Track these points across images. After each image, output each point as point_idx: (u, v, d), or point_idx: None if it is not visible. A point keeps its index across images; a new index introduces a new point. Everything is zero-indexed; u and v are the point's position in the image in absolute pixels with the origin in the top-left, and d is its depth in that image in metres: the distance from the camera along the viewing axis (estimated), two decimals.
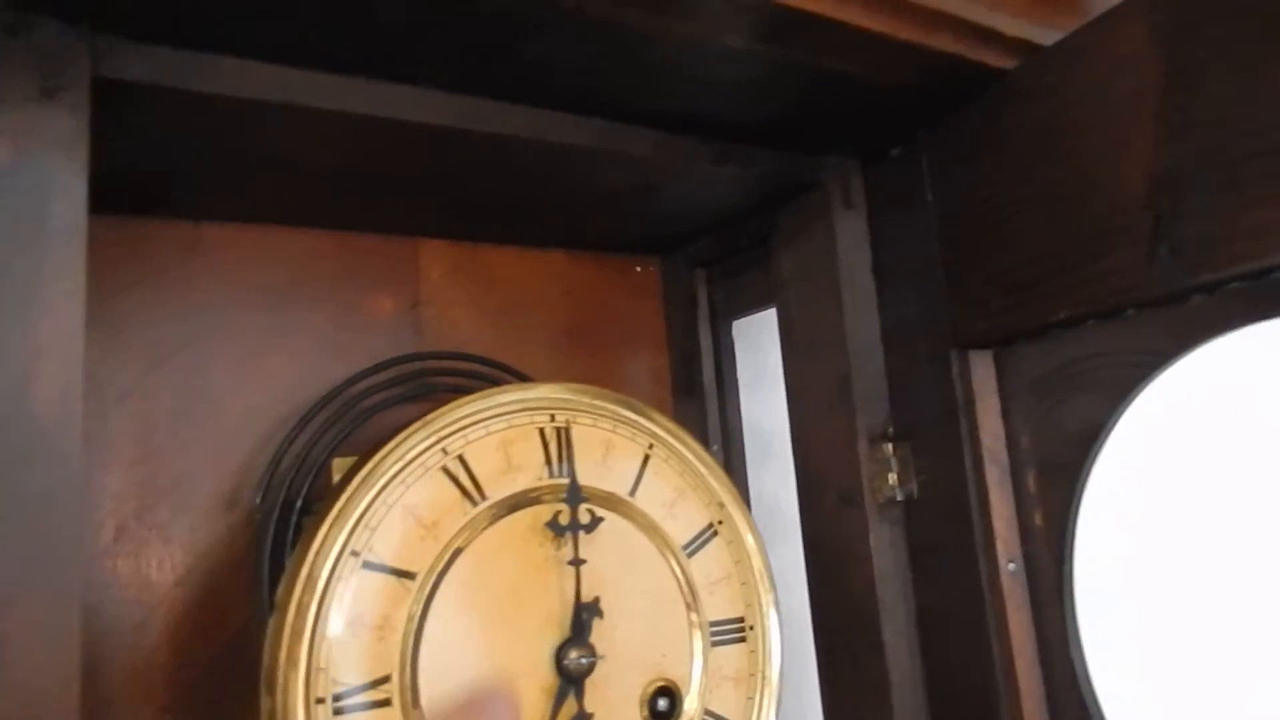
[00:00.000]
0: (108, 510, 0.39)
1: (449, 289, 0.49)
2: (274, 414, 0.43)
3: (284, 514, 0.39)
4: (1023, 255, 0.38)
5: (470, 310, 0.50)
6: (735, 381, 0.54)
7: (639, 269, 0.56)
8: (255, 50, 0.32)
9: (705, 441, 0.53)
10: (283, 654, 0.30)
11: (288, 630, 0.30)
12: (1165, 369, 0.35)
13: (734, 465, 0.54)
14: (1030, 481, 0.40)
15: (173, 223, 0.43)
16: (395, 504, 0.33)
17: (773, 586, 0.41)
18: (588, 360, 0.52)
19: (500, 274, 0.51)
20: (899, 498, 0.44)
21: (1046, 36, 0.38)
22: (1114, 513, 0.38)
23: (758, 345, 0.58)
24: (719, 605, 0.40)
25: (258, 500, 0.40)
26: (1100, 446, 0.37)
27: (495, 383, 0.45)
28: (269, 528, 0.39)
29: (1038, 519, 0.40)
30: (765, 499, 0.58)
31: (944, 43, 0.36)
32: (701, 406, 0.54)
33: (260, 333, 0.44)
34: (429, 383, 0.45)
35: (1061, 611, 0.39)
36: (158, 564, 0.40)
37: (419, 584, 0.32)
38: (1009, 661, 0.39)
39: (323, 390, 0.43)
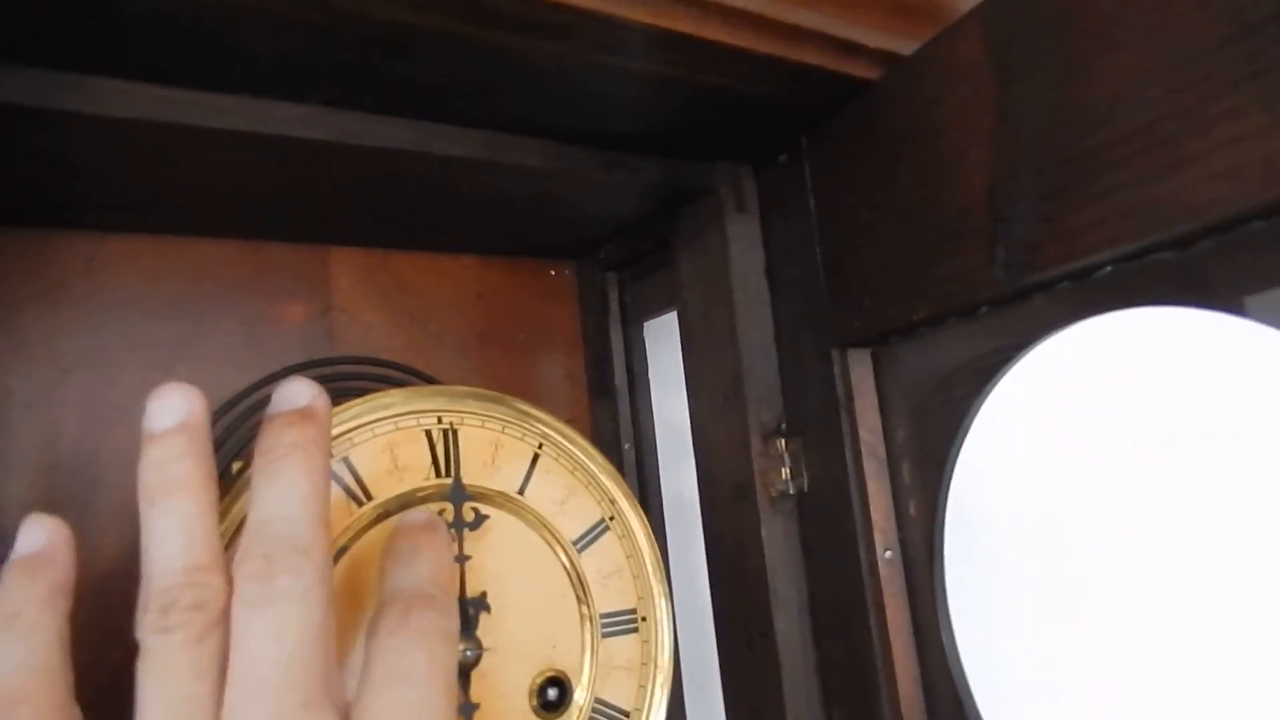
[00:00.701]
0: (15, 518, 0.40)
1: (360, 296, 0.51)
2: None
3: None
4: (887, 258, 0.40)
5: (382, 316, 0.51)
6: (647, 381, 0.56)
7: (553, 273, 0.57)
8: (134, 72, 0.33)
9: (617, 440, 0.55)
10: None
11: None
12: (1016, 362, 0.37)
13: (646, 463, 0.55)
14: (905, 473, 0.42)
15: (76, 235, 0.44)
16: None
17: (665, 578, 0.43)
18: (501, 363, 0.54)
19: (412, 280, 0.52)
20: (791, 491, 0.45)
21: (909, 47, 0.40)
22: (982, 498, 0.40)
23: (678, 351, 0.59)
24: (611, 598, 0.41)
25: None
26: (964, 437, 0.40)
27: (404, 386, 0.46)
28: None
29: (912, 509, 0.42)
30: (682, 498, 0.59)
31: (808, 55, 0.38)
32: (614, 406, 0.55)
33: (167, 343, 0.45)
34: (339, 387, 0.46)
35: (934, 596, 0.41)
36: None
37: None
38: (886, 644, 0.41)
39: (227, 401, 0.44)
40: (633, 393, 0.55)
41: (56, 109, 0.33)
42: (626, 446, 0.55)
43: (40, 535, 0.27)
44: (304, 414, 0.28)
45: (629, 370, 0.55)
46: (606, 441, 0.56)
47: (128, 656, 0.25)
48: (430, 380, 0.48)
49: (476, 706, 0.36)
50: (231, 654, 0.24)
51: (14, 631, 0.25)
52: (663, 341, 0.58)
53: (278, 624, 0.24)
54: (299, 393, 0.29)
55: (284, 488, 0.26)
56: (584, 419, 0.56)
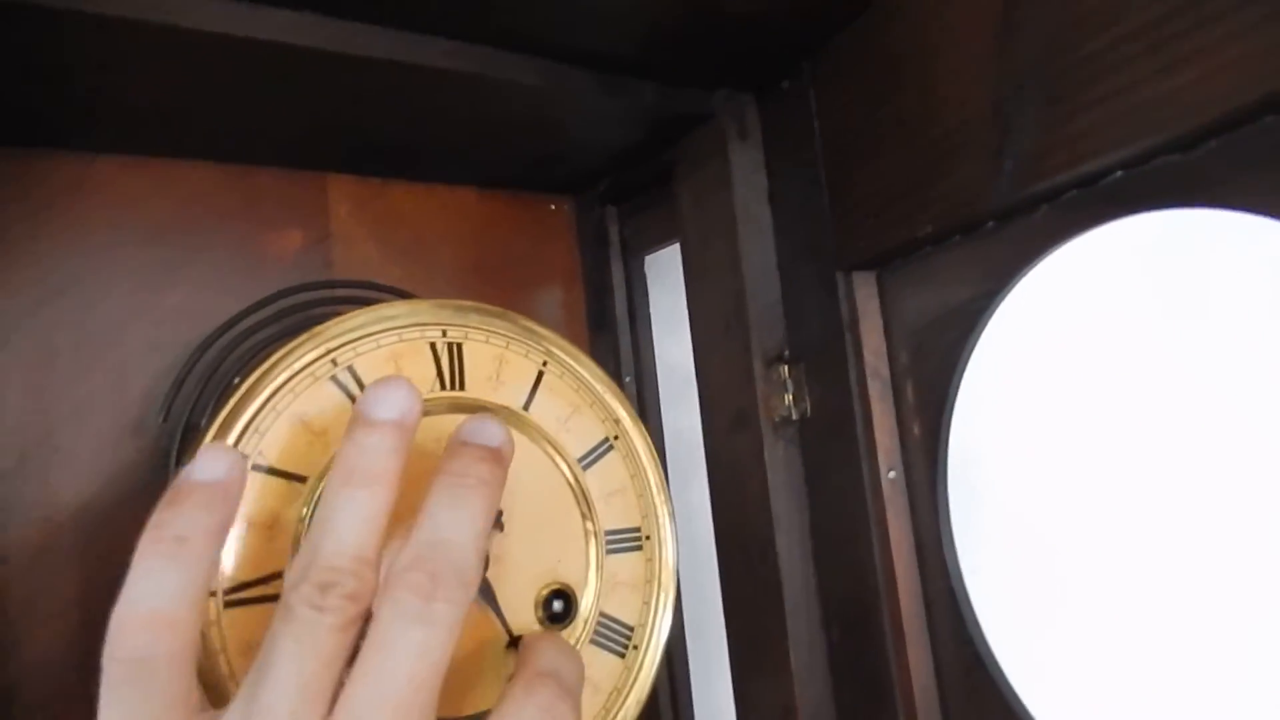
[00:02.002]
0: (9, 435, 0.40)
1: (357, 225, 0.50)
2: (176, 345, 0.43)
3: (187, 436, 0.40)
4: (891, 176, 0.40)
5: (379, 246, 0.50)
6: (648, 316, 0.56)
7: (552, 206, 0.57)
8: None
9: (618, 375, 0.55)
10: None
11: None
12: (1021, 278, 0.37)
13: (647, 398, 0.55)
14: (909, 394, 0.43)
15: (64, 156, 0.43)
16: (284, 411, 0.34)
17: (669, 499, 0.43)
18: (498, 297, 0.53)
19: (409, 211, 0.52)
20: (793, 417, 0.46)
21: None
22: (986, 418, 0.41)
23: (679, 287, 0.59)
24: (615, 515, 0.41)
25: (161, 421, 0.40)
26: (969, 357, 0.40)
27: None
28: (173, 449, 0.40)
29: (916, 429, 0.42)
30: (683, 434, 0.60)
31: None
32: (614, 340, 0.55)
33: (158, 267, 0.44)
34: (336, 310, 0.46)
35: (936, 515, 0.41)
36: (62, 489, 0.41)
37: (309, 487, 0.34)
38: (888, 564, 0.42)
39: (227, 320, 0.43)
40: (633, 327, 0.55)
41: (54, 6, 0.32)
42: (627, 380, 0.55)
43: (222, 466, 0.27)
44: (496, 455, 0.29)
45: (629, 305, 0.55)
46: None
47: None
48: None
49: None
50: (367, 654, 0.24)
51: (181, 558, 0.25)
52: (664, 279, 0.57)
53: (423, 644, 0.24)
54: (495, 433, 0.30)
55: (466, 517, 0.27)
56: (585, 354, 0.56)
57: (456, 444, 0.29)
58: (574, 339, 0.56)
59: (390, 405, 0.28)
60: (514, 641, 0.36)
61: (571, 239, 0.57)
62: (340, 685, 0.24)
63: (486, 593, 0.36)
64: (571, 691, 0.28)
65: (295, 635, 0.24)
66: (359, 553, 0.25)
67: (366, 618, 0.25)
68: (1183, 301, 0.35)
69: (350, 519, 0.25)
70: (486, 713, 0.28)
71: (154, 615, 0.24)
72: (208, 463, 0.27)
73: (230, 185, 0.47)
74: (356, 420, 0.28)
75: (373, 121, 0.44)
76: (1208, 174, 0.30)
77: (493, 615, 0.36)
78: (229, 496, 0.27)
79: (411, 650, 0.24)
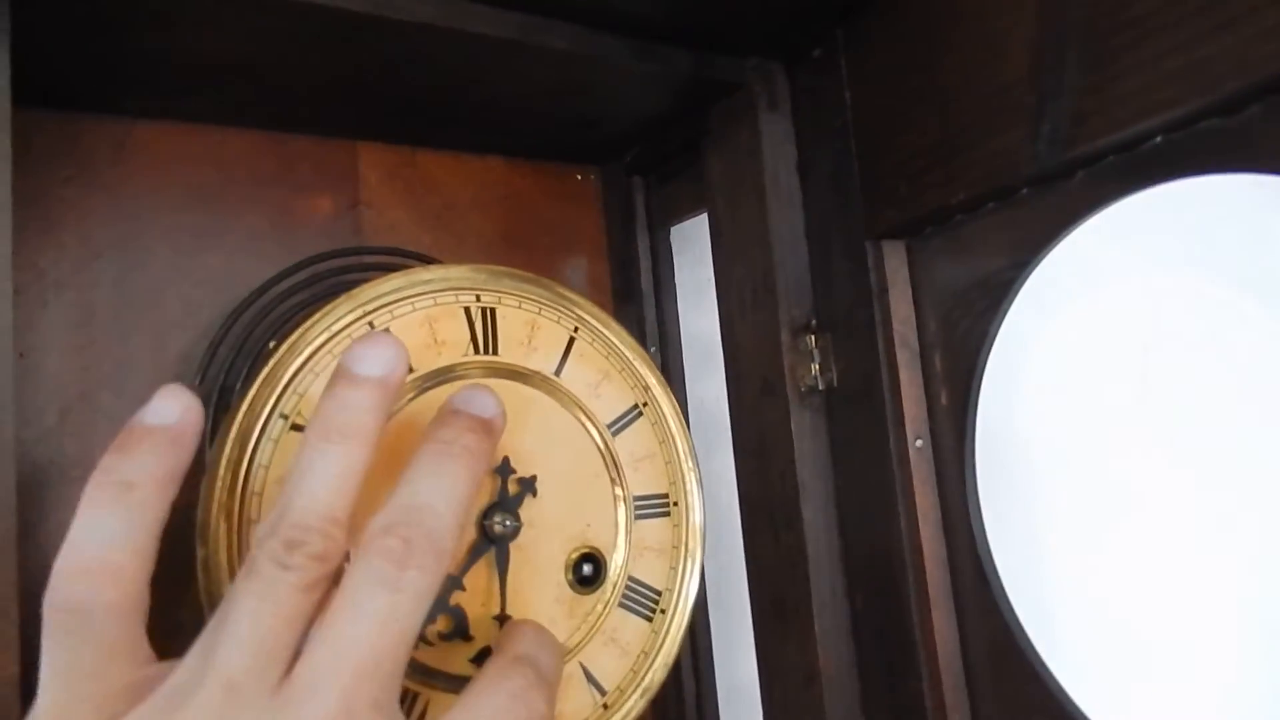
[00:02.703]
0: (50, 393, 0.41)
1: (388, 192, 0.50)
2: (212, 308, 0.44)
3: (223, 397, 0.40)
4: (924, 143, 0.40)
5: (409, 213, 0.51)
6: (673, 287, 0.56)
7: (579, 177, 0.57)
8: None
9: (643, 345, 0.55)
10: (215, 506, 0.31)
11: (219, 485, 0.32)
12: (1055, 246, 0.37)
13: (672, 369, 0.56)
14: (938, 363, 0.43)
15: (105, 119, 0.43)
16: (323, 372, 0.34)
17: (696, 466, 0.43)
18: (525, 266, 0.53)
19: (438, 179, 0.52)
20: (820, 386, 0.46)
21: None
22: (1015, 388, 0.41)
23: (704, 259, 0.59)
24: (643, 481, 0.42)
25: (197, 383, 0.41)
26: (999, 326, 0.40)
27: None
28: (209, 410, 0.40)
29: (943, 398, 0.42)
30: (707, 405, 0.60)
31: None
32: (640, 312, 0.55)
33: (195, 231, 0.45)
34: (366, 277, 0.46)
35: (963, 484, 0.41)
36: (104, 446, 0.41)
37: None
38: (915, 532, 0.42)
39: (260, 285, 0.44)
40: (658, 298, 0.55)
41: None
42: (652, 350, 0.55)
43: (174, 410, 0.26)
44: (486, 425, 0.28)
45: (655, 276, 0.55)
46: None
47: None
48: None
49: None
50: (330, 617, 0.23)
51: (126, 505, 0.24)
52: (689, 250, 0.57)
53: (389, 611, 0.23)
54: (488, 403, 0.29)
55: (447, 485, 0.26)
56: None
57: (447, 411, 0.28)
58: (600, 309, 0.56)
59: (374, 362, 0.27)
60: (502, 618, 0.35)
61: (598, 210, 0.57)
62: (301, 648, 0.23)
63: (502, 562, 0.36)
64: (546, 680, 0.27)
65: (258, 592, 0.23)
66: (329, 512, 0.24)
67: (337, 579, 0.24)
68: (1222, 271, 0.34)
69: (322, 475, 0.24)
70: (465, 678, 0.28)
71: (94, 562, 0.23)
72: (161, 406, 0.26)
73: (265, 151, 0.47)
74: (338, 374, 0.27)
75: (406, 88, 0.44)
76: (1251, 138, 0.30)
77: (496, 585, 0.35)
78: (181, 441, 0.26)
79: (377, 616, 0.23)
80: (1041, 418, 0.40)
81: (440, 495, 0.25)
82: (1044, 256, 0.38)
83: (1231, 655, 0.36)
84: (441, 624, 0.35)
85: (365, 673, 0.22)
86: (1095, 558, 0.40)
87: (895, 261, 0.43)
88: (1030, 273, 0.38)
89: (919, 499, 0.42)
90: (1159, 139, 0.32)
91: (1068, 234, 0.37)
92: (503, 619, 0.36)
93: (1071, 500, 0.40)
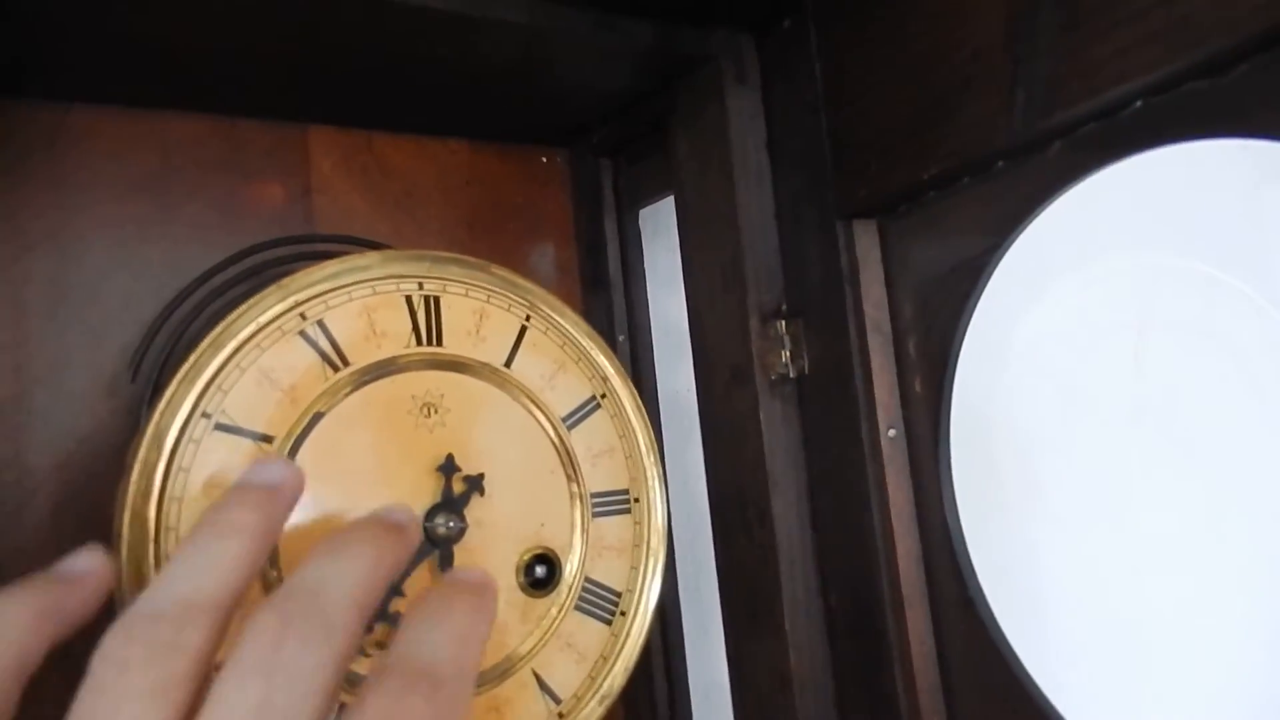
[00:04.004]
0: None
1: (342, 178, 0.48)
2: (154, 302, 0.42)
3: (155, 397, 0.38)
4: (896, 116, 0.37)
5: (365, 200, 0.49)
6: (642, 272, 0.54)
7: (545, 160, 0.55)
8: None
9: (612, 333, 0.53)
10: (128, 514, 0.30)
11: (133, 489, 0.30)
12: (1031, 223, 0.35)
13: (641, 356, 0.53)
14: (911, 349, 0.40)
15: (38, 106, 0.41)
16: (249, 367, 0.32)
17: (659, 460, 0.41)
18: (490, 253, 0.51)
19: (397, 164, 0.50)
20: (791, 374, 0.44)
21: None
22: (991, 373, 0.39)
23: (674, 241, 0.57)
24: (602, 477, 0.40)
25: (130, 380, 0.39)
26: (973, 309, 0.38)
27: None
28: (141, 408, 0.38)
29: (917, 385, 0.40)
30: (679, 394, 0.58)
31: None
32: (608, 297, 0.53)
33: (136, 221, 0.43)
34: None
35: (938, 474, 0.39)
36: (37, 448, 0.40)
37: (276, 447, 0.32)
38: (888, 523, 0.40)
39: (199, 275, 0.42)
40: (627, 284, 0.53)
41: None
42: (621, 339, 0.53)
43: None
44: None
45: (623, 261, 0.53)
46: (600, 334, 0.54)
47: None
48: None
49: None
50: None
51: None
52: (659, 235, 0.55)
53: (261, 702, 0.19)
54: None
55: (344, 562, 0.22)
56: (577, 311, 0.54)
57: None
58: (567, 296, 0.54)
59: (270, 473, 0.24)
60: None
61: (565, 193, 0.55)
62: None
63: (446, 566, 0.34)
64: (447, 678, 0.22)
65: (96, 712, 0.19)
66: (193, 597, 0.21)
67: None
68: (1211, 243, 0.32)
69: (193, 564, 0.22)
70: None
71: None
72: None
73: (211, 136, 0.45)
74: (233, 486, 0.24)
75: (355, 68, 0.42)
76: (1239, 101, 0.28)
77: None
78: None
79: (250, 715, 0.19)
80: (1021, 404, 0.38)
81: (333, 570, 0.22)
82: (1020, 233, 0.35)
83: (1223, 653, 0.34)
84: (380, 633, 0.33)
85: None
86: (1077, 551, 0.38)
87: (867, 242, 0.41)
88: (1006, 251, 0.36)
89: (892, 491, 0.40)
90: (1139, 104, 0.30)
91: (1045, 208, 0.34)
92: None
93: (1053, 491, 0.38)
